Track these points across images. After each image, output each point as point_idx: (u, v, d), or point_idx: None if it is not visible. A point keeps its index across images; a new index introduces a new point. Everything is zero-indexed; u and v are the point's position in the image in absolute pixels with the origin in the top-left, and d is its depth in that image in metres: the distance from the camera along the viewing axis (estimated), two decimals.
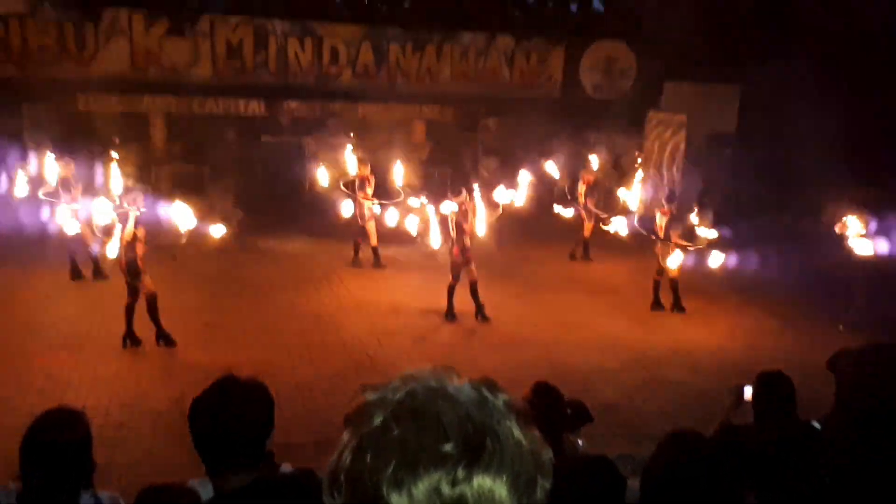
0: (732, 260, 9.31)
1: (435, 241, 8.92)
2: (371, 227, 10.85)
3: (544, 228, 12.41)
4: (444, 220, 8.89)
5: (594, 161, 12.21)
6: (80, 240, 9.37)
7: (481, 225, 8.62)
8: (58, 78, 13.54)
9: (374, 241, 10.94)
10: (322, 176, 11.29)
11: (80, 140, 12.72)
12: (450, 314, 8.91)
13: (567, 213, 11.55)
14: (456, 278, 8.85)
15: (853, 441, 2.95)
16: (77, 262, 9.59)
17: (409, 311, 9.17)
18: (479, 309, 8.92)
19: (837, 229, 8.90)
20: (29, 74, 13.54)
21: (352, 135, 13.41)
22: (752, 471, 3.34)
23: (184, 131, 14.50)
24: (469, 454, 0.81)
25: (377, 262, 11.04)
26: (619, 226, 10.08)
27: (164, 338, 7.69)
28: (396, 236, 11.09)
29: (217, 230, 8.16)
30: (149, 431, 5.99)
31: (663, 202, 9.50)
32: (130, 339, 7.61)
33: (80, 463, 2.54)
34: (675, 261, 9.14)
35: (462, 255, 8.71)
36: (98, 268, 9.53)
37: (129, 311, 7.57)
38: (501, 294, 9.49)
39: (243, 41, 14.76)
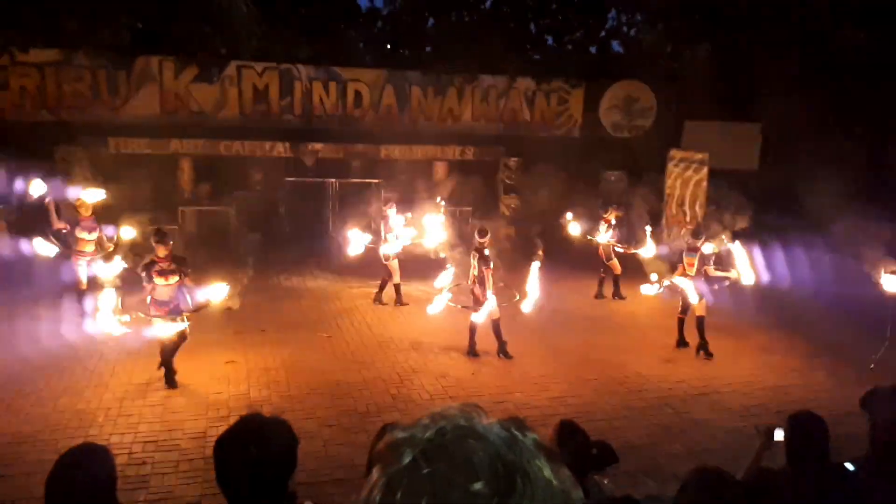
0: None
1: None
2: (394, 265, 10.94)
3: (564, 267, 12.38)
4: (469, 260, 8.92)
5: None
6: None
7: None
8: (90, 122, 13.98)
9: (397, 278, 11.01)
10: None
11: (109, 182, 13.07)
12: (471, 352, 8.88)
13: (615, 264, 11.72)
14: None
15: (890, 482, 2.87)
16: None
17: (431, 349, 9.14)
18: (502, 347, 8.87)
19: (866, 267, 8.77)
20: (62, 119, 14.00)
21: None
22: None
23: (211, 173, 14.81)
24: (500, 493, 0.80)
25: (399, 300, 11.08)
26: (649, 289, 10.15)
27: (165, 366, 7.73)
28: (417, 273, 11.19)
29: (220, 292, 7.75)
30: (171, 469, 5.98)
31: (688, 240, 9.46)
32: (168, 379, 7.65)
33: (104, 499, 2.54)
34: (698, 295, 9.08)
35: (484, 293, 8.71)
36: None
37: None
38: (524, 332, 9.43)
39: (269, 86, 15.15)
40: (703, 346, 9.20)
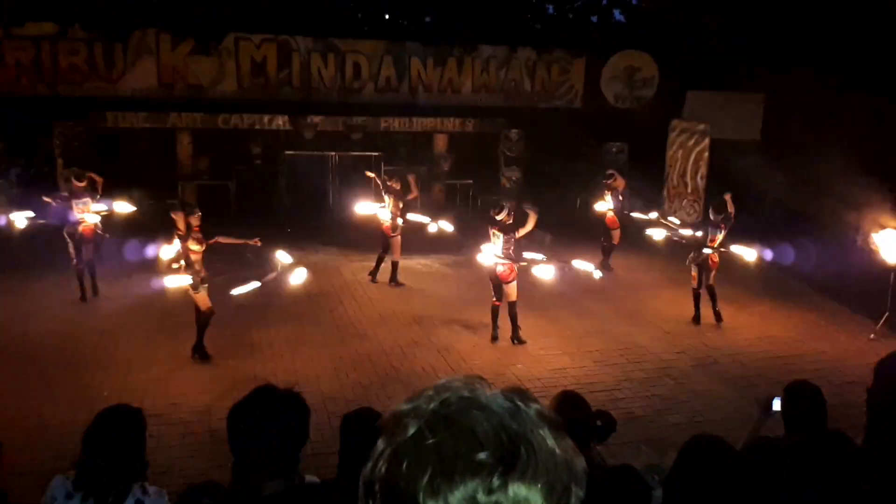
0: (766, 254, 9.26)
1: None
2: (398, 240, 10.78)
3: (563, 238, 12.35)
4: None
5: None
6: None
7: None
8: (87, 96, 13.88)
9: (397, 255, 10.87)
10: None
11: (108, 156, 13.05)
12: (516, 336, 8.55)
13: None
14: (497, 297, 8.56)
15: (892, 450, 2.89)
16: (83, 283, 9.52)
17: (433, 322, 9.17)
18: (500, 331, 8.64)
19: (864, 238, 8.74)
20: (60, 93, 13.90)
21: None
22: (784, 484, 3.28)
23: (210, 147, 14.74)
24: (504, 463, 0.81)
25: (394, 278, 10.84)
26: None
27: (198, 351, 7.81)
28: (417, 248, 11.17)
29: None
30: (177, 442, 6.05)
31: (714, 215, 9.18)
32: (199, 352, 7.74)
33: (134, 455, 2.69)
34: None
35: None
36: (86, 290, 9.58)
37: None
38: (524, 305, 9.42)
39: (267, 58, 15.00)
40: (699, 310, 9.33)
